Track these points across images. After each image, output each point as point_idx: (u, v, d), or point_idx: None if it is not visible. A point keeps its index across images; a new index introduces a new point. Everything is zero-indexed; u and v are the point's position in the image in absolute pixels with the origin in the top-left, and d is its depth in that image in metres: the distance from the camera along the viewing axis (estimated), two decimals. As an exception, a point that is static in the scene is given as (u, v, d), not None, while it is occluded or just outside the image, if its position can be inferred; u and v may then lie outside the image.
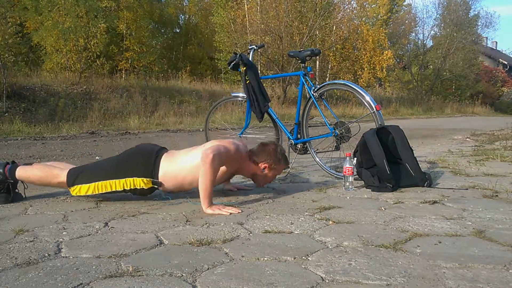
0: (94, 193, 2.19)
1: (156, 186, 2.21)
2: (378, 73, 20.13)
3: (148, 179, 2.18)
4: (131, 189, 2.18)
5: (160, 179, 2.19)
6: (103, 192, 2.18)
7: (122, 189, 2.18)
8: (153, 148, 2.32)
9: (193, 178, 2.16)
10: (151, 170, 2.19)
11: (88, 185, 2.18)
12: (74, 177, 2.20)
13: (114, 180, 2.17)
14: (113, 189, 2.18)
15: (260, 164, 2.36)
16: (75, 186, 2.19)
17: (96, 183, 2.17)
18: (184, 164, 2.20)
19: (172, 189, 2.26)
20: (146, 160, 2.22)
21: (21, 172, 2.25)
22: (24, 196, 2.33)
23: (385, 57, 19.94)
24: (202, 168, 2.04)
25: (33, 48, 13.14)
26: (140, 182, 2.17)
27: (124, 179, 2.17)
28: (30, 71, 11.25)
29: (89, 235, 1.67)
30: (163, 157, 2.24)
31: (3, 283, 1.21)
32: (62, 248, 1.51)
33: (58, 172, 2.24)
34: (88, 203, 2.25)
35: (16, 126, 7.20)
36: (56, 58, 12.00)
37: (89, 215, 2.00)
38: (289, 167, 3.13)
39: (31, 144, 5.80)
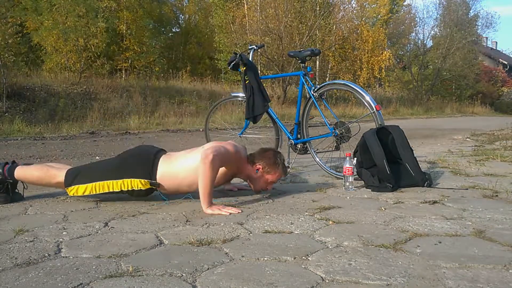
0: (92, 194, 2.19)
1: (154, 187, 2.21)
2: (376, 73, 20.12)
3: (145, 180, 2.17)
4: (128, 190, 2.18)
5: (158, 181, 2.19)
6: (100, 192, 2.18)
7: (120, 189, 2.17)
8: (151, 150, 2.32)
9: (192, 180, 2.15)
10: (149, 171, 2.18)
11: (85, 185, 2.18)
12: (72, 178, 2.20)
13: (111, 181, 2.17)
14: (111, 190, 2.17)
15: (254, 165, 2.33)
16: (73, 187, 2.19)
17: (94, 183, 2.17)
18: (182, 165, 2.20)
19: (171, 190, 2.25)
20: (144, 161, 2.22)
21: (20, 172, 2.24)
22: (23, 196, 2.33)
23: (383, 58, 19.93)
24: (201, 168, 2.04)
25: (33, 48, 13.13)
26: (137, 183, 2.16)
27: (121, 180, 2.17)
28: (30, 71, 11.24)
29: (89, 235, 1.67)
30: (161, 158, 2.23)
31: (3, 283, 1.21)
32: (62, 248, 1.51)
33: (56, 172, 2.24)
34: (88, 203, 2.25)
35: (16, 126, 7.20)
36: (56, 58, 12.00)
37: (89, 215, 2.00)
38: (288, 169, 3.13)
39: (31, 144, 5.80)
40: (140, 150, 2.39)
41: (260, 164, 2.32)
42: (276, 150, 2.49)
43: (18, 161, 2.46)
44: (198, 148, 2.27)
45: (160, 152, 2.30)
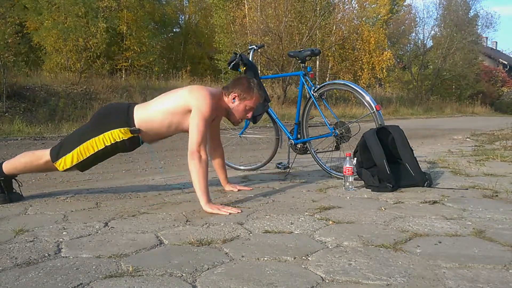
0: (79, 160, 2.19)
1: (135, 135, 2.21)
2: (377, 73, 20.12)
3: (125, 128, 2.19)
4: (112, 144, 2.19)
5: (137, 127, 2.21)
6: (87, 156, 2.19)
7: (104, 145, 2.18)
8: (123, 103, 2.39)
9: (170, 121, 2.20)
10: (126, 120, 2.21)
11: (70, 153, 2.19)
12: (57, 152, 2.22)
13: (93, 139, 2.18)
14: (95, 149, 2.18)
15: (230, 95, 2.32)
16: (60, 160, 2.20)
17: (77, 148, 2.19)
18: (158, 108, 2.23)
19: (152, 136, 2.27)
20: (119, 112, 2.25)
21: (7, 165, 2.26)
22: (22, 196, 2.33)
23: (384, 58, 19.93)
24: (191, 165, 2.05)
25: (33, 48, 13.13)
26: (118, 134, 2.18)
27: (102, 135, 2.18)
28: (30, 71, 11.24)
29: (89, 235, 1.67)
30: (135, 106, 2.27)
31: (3, 283, 1.21)
32: (62, 248, 1.51)
33: (41, 152, 2.26)
34: (88, 203, 2.25)
35: (16, 126, 7.20)
36: (56, 58, 12.00)
37: (89, 215, 2.00)
38: (288, 170, 3.13)
39: (31, 144, 5.80)
40: (111, 105, 2.47)
41: (235, 92, 2.31)
42: (249, 77, 2.47)
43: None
44: (175, 91, 2.28)
45: (132, 103, 2.34)
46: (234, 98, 2.31)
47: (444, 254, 1.41)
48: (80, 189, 2.73)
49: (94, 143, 2.19)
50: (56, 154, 2.21)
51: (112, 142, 2.19)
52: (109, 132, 2.18)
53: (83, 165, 2.26)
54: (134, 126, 2.20)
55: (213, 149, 2.64)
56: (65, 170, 2.24)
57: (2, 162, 2.29)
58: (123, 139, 2.19)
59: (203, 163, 2.06)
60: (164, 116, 2.21)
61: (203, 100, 2.15)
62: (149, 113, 2.23)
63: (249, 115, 2.40)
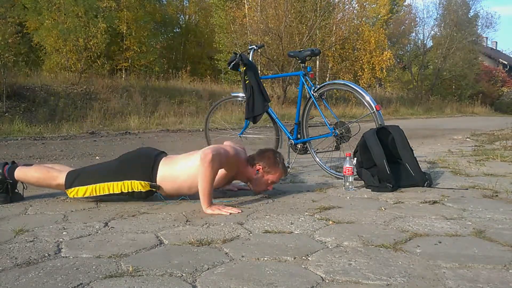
0: (92, 196, 2.19)
1: (154, 190, 2.21)
2: (377, 73, 20.12)
3: (146, 182, 2.18)
4: (128, 192, 2.18)
5: (158, 183, 2.19)
6: (100, 194, 2.18)
7: (120, 191, 2.18)
8: (152, 152, 2.33)
9: (192, 182, 2.15)
10: (149, 174, 2.19)
11: (86, 187, 2.18)
12: (72, 179, 2.20)
13: (112, 183, 2.17)
14: (111, 192, 2.18)
15: (254, 166, 2.32)
16: (73, 188, 2.19)
17: (94, 185, 2.18)
18: (183, 167, 2.20)
19: (170, 193, 2.25)
20: (145, 163, 2.22)
21: (20, 173, 2.25)
22: (23, 196, 2.33)
23: (384, 58, 19.93)
24: (201, 168, 2.04)
25: (33, 48, 13.13)
26: (138, 185, 2.17)
27: (122, 182, 2.17)
28: (30, 71, 11.24)
29: (89, 235, 1.67)
30: (162, 161, 2.23)
31: (3, 283, 1.21)
32: (62, 248, 1.51)
33: (57, 174, 2.24)
34: (88, 203, 2.25)
35: (16, 126, 7.19)
36: (56, 58, 11.99)
37: (89, 215, 2.00)
38: (288, 169, 3.13)
39: (31, 144, 5.80)
40: (140, 152, 2.39)
41: (260, 165, 2.31)
42: (275, 150, 2.49)
43: (18, 161, 2.47)
44: (199, 150, 2.26)
45: (161, 154, 2.31)
46: (257, 170, 2.32)
47: (444, 254, 1.41)
48: (80, 189, 2.72)
49: (111, 186, 2.18)
50: (71, 182, 2.20)
51: (130, 190, 2.18)
52: (129, 181, 2.17)
53: (93, 199, 2.27)
54: (156, 181, 2.19)
55: None
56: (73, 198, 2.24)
57: (16, 165, 2.27)
58: (141, 191, 2.19)
59: (214, 170, 2.05)
60: (187, 176, 2.17)
61: (221, 146, 2.22)
62: (172, 173, 2.20)
63: (270, 188, 2.40)
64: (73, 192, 2.19)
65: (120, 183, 2.17)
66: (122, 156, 2.38)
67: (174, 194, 2.27)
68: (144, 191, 2.19)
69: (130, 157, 2.33)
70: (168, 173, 2.19)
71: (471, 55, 24.80)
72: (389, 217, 1.88)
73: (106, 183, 2.17)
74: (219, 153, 2.09)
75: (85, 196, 2.19)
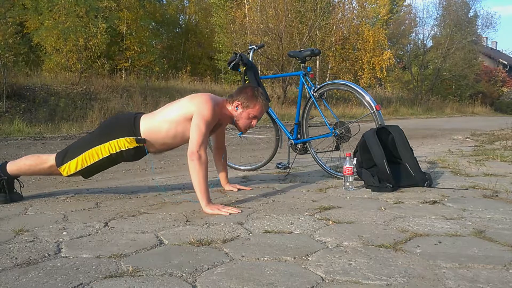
0: (84, 166, 2.21)
1: (140, 144, 2.23)
2: (377, 73, 20.13)
3: (131, 137, 2.21)
4: (117, 152, 2.20)
5: (143, 137, 2.22)
6: (92, 162, 2.20)
7: (108, 153, 2.20)
8: (130, 113, 2.41)
9: (175, 132, 2.21)
10: (132, 129, 2.22)
11: (76, 159, 2.21)
12: (62, 157, 2.24)
13: (99, 146, 2.20)
14: (100, 157, 2.20)
15: (233, 103, 2.31)
16: (64, 165, 2.22)
17: (83, 154, 2.21)
18: (164, 118, 2.23)
19: (157, 146, 2.28)
20: (126, 122, 2.27)
21: (12, 166, 2.27)
22: (22, 196, 2.33)
23: (384, 57, 19.94)
24: (191, 166, 2.05)
25: (33, 48, 13.13)
26: (124, 142, 2.20)
27: (108, 143, 2.20)
28: (30, 71, 11.24)
29: (89, 235, 1.67)
30: (142, 116, 2.29)
31: (3, 283, 1.21)
32: (62, 248, 1.51)
33: (47, 156, 2.27)
34: (88, 203, 2.25)
35: (16, 126, 7.19)
36: (56, 58, 11.99)
37: (89, 215, 2.00)
38: (288, 170, 3.13)
39: (31, 144, 5.80)
40: (118, 115, 2.48)
41: (239, 100, 2.31)
42: (255, 86, 2.47)
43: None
44: (176, 101, 2.28)
45: (139, 113, 2.35)
46: (237, 106, 2.32)
47: (444, 254, 1.41)
48: (80, 189, 2.73)
49: (99, 150, 2.20)
50: (61, 159, 2.23)
51: (117, 150, 2.20)
52: (115, 140, 2.20)
53: (87, 172, 2.27)
54: (140, 135, 2.22)
55: (216, 150, 2.65)
56: (68, 176, 2.26)
57: (6, 162, 2.30)
58: (129, 148, 2.21)
59: (203, 164, 2.06)
60: (169, 126, 2.21)
61: (204, 104, 2.16)
62: (154, 124, 2.23)
63: (254, 123, 2.38)
64: (65, 168, 2.22)
65: (106, 144, 2.20)
66: (101, 123, 2.43)
67: (161, 147, 2.30)
68: (131, 147, 2.21)
69: (109, 121, 2.41)
70: (151, 125, 2.23)
71: (471, 55, 24.82)
72: (389, 217, 1.88)
73: (93, 149, 2.21)
74: (204, 139, 2.09)
75: (78, 169, 2.21)
